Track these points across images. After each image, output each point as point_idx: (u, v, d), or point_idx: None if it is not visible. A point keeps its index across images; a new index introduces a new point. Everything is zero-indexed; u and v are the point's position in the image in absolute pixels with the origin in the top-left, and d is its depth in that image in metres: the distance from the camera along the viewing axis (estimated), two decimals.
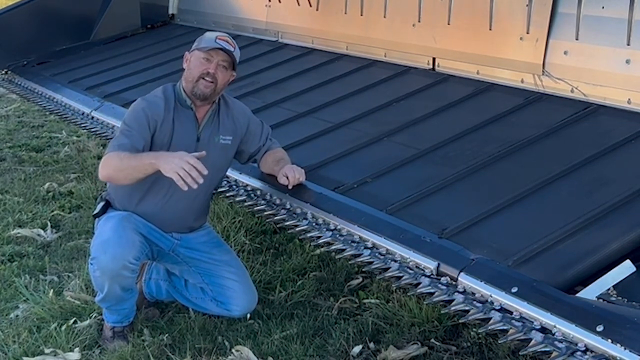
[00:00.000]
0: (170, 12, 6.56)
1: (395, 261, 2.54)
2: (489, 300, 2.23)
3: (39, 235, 4.27)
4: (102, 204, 3.14)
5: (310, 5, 5.03)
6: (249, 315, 3.34)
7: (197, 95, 3.02)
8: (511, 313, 2.17)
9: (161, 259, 3.24)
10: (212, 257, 3.24)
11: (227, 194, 3.32)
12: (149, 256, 3.14)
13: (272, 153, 3.23)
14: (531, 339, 2.07)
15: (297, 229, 2.93)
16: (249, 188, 3.27)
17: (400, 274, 2.49)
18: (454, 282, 2.35)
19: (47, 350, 3.12)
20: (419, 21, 4.25)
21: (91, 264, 3.02)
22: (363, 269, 2.96)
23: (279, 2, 5.32)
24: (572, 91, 3.48)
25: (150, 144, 2.98)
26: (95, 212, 3.15)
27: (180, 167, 2.69)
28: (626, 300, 2.14)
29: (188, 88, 3.04)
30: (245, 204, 3.23)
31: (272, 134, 3.30)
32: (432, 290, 2.37)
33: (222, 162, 3.19)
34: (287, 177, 3.03)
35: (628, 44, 3.26)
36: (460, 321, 3.03)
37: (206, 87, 3.00)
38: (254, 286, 3.33)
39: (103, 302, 3.11)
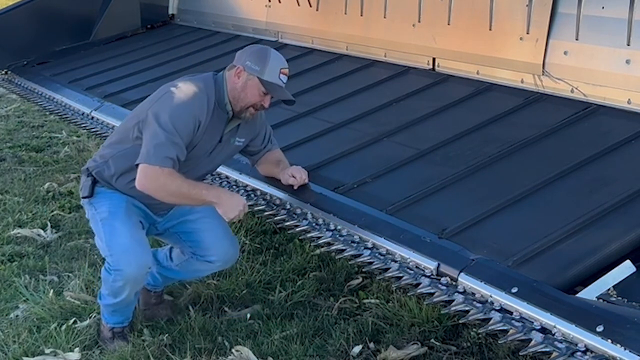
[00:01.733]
0: (170, 12, 6.56)
1: (395, 261, 2.54)
2: (489, 301, 2.23)
3: (39, 235, 4.27)
4: (89, 183, 3.04)
5: (310, 5, 5.03)
6: (249, 315, 3.34)
7: (241, 117, 2.97)
8: (511, 313, 2.17)
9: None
10: (188, 217, 3.18)
11: None
12: None
13: (270, 155, 3.20)
14: (531, 339, 2.07)
15: (297, 229, 2.93)
16: (249, 188, 3.27)
17: (400, 274, 2.49)
18: (454, 282, 2.35)
19: (47, 350, 3.12)
20: (419, 21, 4.25)
21: (110, 272, 2.94)
22: (363, 269, 2.97)
23: (279, 2, 5.32)
24: (572, 91, 3.48)
25: None
26: (85, 194, 3.03)
27: (238, 215, 2.81)
28: (626, 300, 2.14)
29: (235, 106, 2.93)
30: None
31: (272, 134, 3.30)
32: (432, 291, 2.38)
33: (229, 158, 3.19)
34: (295, 177, 3.02)
35: (628, 44, 3.26)
36: (460, 321, 3.02)
37: (252, 114, 2.97)
38: (234, 237, 3.28)
39: (113, 306, 3.09)
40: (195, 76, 3.00)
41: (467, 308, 2.26)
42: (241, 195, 3.25)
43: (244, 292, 3.57)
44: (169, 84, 2.97)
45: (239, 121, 3.01)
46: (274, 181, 3.14)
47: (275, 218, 3.06)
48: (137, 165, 2.80)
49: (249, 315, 3.35)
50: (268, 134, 3.22)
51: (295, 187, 3.02)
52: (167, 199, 2.89)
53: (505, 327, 2.15)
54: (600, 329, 1.94)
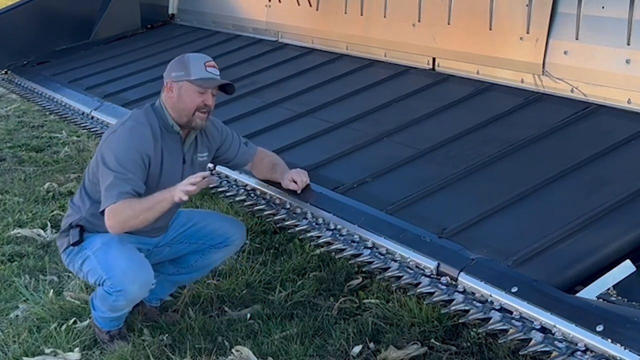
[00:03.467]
0: (170, 12, 6.56)
1: (395, 261, 2.54)
2: (489, 300, 2.23)
3: (39, 235, 4.27)
4: (77, 230, 3.02)
5: (310, 5, 5.03)
6: (249, 315, 3.34)
7: (193, 128, 2.96)
8: (511, 313, 2.17)
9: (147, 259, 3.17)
10: (184, 224, 3.23)
11: (227, 194, 3.32)
12: None
13: (261, 158, 3.19)
14: (531, 339, 2.07)
15: (297, 228, 2.93)
16: (248, 188, 3.27)
17: (400, 274, 2.49)
18: (454, 282, 2.35)
19: (47, 350, 3.12)
20: (419, 21, 4.25)
21: (111, 294, 2.92)
22: (363, 269, 2.96)
23: (279, 2, 5.32)
24: (572, 91, 3.48)
25: None
26: (75, 240, 3.00)
27: (186, 184, 2.74)
28: (626, 300, 2.14)
29: (181, 120, 2.93)
30: (245, 203, 3.23)
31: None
32: (432, 290, 2.38)
33: None
34: (296, 182, 3.01)
35: (628, 44, 3.26)
36: (460, 321, 3.04)
37: (203, 119, 2.94)
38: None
39: (109, 319, 3.09)
40: (134, 111, 3.04)
41: (467, 308, 2.26)
42: (241, 194, 3.26)
43: (244, 292, 3.57)
44: (110, 127, 3.04)
45: (193, 136, 3.01)
46: (274, 183, 3.13)
47: (275, 217, 3.06)
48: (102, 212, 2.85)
49: (249, 315, 3.35)
50: (236, 140, 3.19)
51: (298, 192, 3.01)
52: (135, 223, 2.83)
53: (505, 327, 2.15)
54: (600, 328, 1.94)
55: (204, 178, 2.77)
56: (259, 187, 3.21)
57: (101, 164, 2.86)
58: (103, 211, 2.84)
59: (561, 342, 2.01)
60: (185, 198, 2.76)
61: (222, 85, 2.98)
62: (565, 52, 3.52)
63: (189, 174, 2.98)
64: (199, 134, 3.06)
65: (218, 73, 2.96)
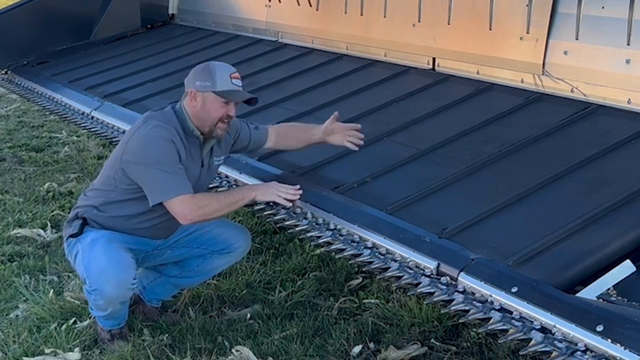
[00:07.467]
0: (170, 12, 6.56)
1: (395, 261, 2.54)
2: (488, 300, 2.23)
3: (39, 235, 4.27)
4: (79, 222, 3.04)
5: (310, 5, 5.03)
6: (249, 315, 3.34)
7: (214, 137, 3.00)
8: (511, 313, 2.17)
9: (146, 261, 3.21)
10: (188, 227, 3.20)
11: None
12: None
13: (284, 133, 3.24)
14: (531, 339, 2.07)
15: (297, 229, 2.93)
16: None
17: (400, 274, 2.49)
18: (453, 282, 2.35)
19: (47, 350, 3.12)
20: (419, 21, 4.25)
21: (90, 293, 2.96)
22: (363, 269, 2.97)
23: (279, 2, 5.32)
24: (572, 91, 3.48)
25: None
26: (74, 232, 3.02)
27: (280, 190, 2.90)
28: (626, 300, 2.14)
29: (203, 128, 2.96)
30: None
31: (248, 122, 3.30)
32: (432, 290, 2.37)
33: (213, 177, 3.24)
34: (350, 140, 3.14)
35: (628, 44, 3.26)
36: (460, 321, 3.03)
37: (224, 129, 2.98)
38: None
39: (103, 317, 3.10)
40: (149, 114, 3.03)
41: (467, 308, 2.26)
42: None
43: (244, 292, 3.57)
44: (133, 126, 3.02)
45: (212, 142, 3.04)
46: (274, 180, 3.12)
47: (275, 217, 3.05)
48: (155, 204, 2.86)
49: (249, 315, 3.35)
50: (245, 128, 3.23)
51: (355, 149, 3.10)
52: (217, 216, 2.93)
53: (505, 327, 2.15)
54: (600, 328, 1.94)
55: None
56: None
57: (140, 165, 2.87)
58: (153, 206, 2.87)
59: (561, 342, 2.01)
60: (278, 201, 2.92)
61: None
62: (565, 52, 3.52)
63: (205, 178, 3.07)
64: (215, 141, 3.09)
65: (241, 84, 3.00)
